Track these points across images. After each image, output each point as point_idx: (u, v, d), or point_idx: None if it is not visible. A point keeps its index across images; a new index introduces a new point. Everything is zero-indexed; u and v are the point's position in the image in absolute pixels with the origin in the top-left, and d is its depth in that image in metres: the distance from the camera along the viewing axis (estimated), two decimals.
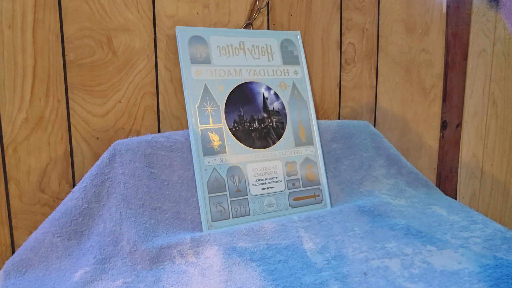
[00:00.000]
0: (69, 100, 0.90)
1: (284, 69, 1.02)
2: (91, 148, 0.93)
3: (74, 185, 0.92)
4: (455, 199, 1.30)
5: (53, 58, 0.88)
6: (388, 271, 0.78)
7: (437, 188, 1.15)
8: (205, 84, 0.92)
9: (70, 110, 0.91)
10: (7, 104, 0.86)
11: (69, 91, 0.90)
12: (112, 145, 0.89)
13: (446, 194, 1.15)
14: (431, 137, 1.30)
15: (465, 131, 1.31)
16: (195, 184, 0.91)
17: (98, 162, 0.88)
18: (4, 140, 0.87)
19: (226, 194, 0.90)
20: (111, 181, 0.87)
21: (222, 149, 0.91)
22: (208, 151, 0.90)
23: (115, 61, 0.93)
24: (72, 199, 0.85)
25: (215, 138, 0.90)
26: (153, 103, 0.97)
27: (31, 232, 0.84)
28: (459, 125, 1.29)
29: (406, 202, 1.05)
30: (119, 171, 0.87)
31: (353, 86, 1.20)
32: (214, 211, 0.88)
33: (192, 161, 0.92)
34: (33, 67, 0.87)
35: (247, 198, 0.91)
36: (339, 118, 1.18)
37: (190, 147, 0.92)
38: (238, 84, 0.95)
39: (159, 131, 0.99)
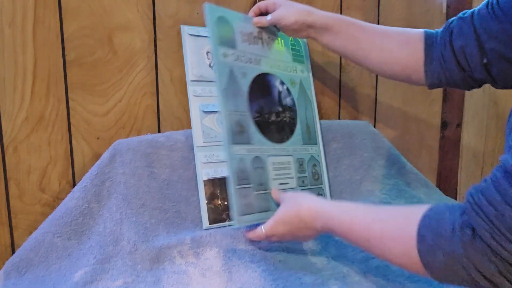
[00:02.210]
0: (70, 100, 0.90)
1: (293, 66, 1.01)
2: (92, 147, 0.93)
3: (74, 185, 0.92)
4: (455, 199, 1.31)
5: (53, 57, 0.88)
6: (387, 271, 0.78)
7: (437, 188, 1.15)
8: (231, 69, 0.86)
9: (70, 110, 0.91)
10: (7, 104, 0.86)
11: (69, 90, 0.90)
12: (112, 144, 0.89)
13: (446, 194, 1.15)
14: (431, 137, 1.30)
15: (465, 131, 1.31)
16: (196, 183, 0.91)
17: (99, 161, 0.88)
18: (4, 140, 0.86)
19: (252, 187, 0.84)
20: (111, 180, 0.87)
21: (247, 139, 0.86)
22: (236, 139, 0.84)
23: (116, 61, 0.93)
24: (72, 199, 0.85)
25: (241, 126, 0.86)
26: (153, 102, 0.97)
27: (31, 232, 0.84)
28: (459, 125, 1.30)
29: (406, 202, 1.05)
30: (119, 170, 0.87)
31: (353, 86, 1.20)
32: (243, 204, 0.82)
33: (194, 160, 0.92)
34: (33, 67, 0.87)
35: (268, 193, 0.88)
36: (339, 118, 1.18)
37: (191, 147, 0.92)
38: (257, 74, 0.92)
39: (159, 131, 0.99)
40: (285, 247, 0.84)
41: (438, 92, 1.29)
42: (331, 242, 0.86)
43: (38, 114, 0.88)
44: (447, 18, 1.21)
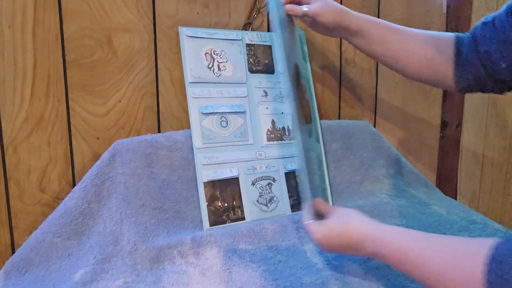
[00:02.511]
0: (69, 100, 0.90)
1: (302, 63, 1.02)
2: (91, 148, 0.93)
3: (74, 185, 0.92)
4: (455, 199, 1.31)
5: (53, 58, 0.88)
6: (388, 271, 0.78)
7: (437, 188, 1.15)
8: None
9: (70, 110, 0.91)
10: (7, 104, 0.86)
11: (69, 91, 0.90)
12: (112, 145, 0.89)
13: (446, 194, 1.15)
14: (431, 137, 1.30)
15: (465, 131, 1.31)
16: (196, 183, 0.91)
17: (98, 162, 0.88)
18: (4, 140, 0.86)
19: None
20: (111, 181, 0.87)
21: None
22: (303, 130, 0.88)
23: (115, 61, 0.93)
24: (72, 199, 0.85)
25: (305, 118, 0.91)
26: (153, 103, 0.97)
27: (31, 232, 0.84)
28: (459, 125, 1.29)
29: (406, 202, 1.05)
30: (119, 171, 0.87)
31: (353, 86, 1.20)
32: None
33: (193, 160, 0.92)
34: (33, 67, 0.87)
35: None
36: (339, 118, 1.18)
37: (191, 147, 0.92)
38: (295, 63, 0.93)
39: (159, 131, 0.99)
40: (286, 247, 0.84)
41: (438, 92, 1.29)
42: None
43: (38, 115, 0.88)
44: (447, 18, 1.21)
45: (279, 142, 0.99)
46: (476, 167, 1.32)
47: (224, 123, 0.95)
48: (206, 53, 0.96)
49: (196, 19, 0.98)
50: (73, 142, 0.92)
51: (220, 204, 0.91)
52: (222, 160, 0.93)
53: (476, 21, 1.20)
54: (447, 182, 1.29)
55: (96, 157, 0.92)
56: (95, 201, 0.85)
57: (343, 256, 0.82)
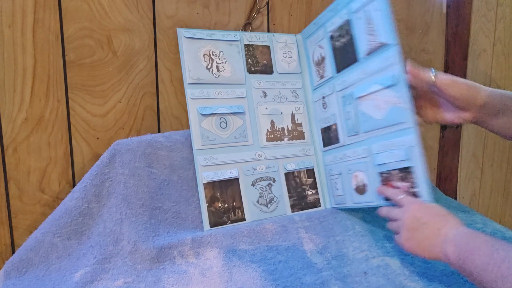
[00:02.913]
0: (69, 100, 0.90)
1: None
2: (91, 148, 0.93)
3: (74, 185, 0.92)
4: (455, 199, 1.30)
5: (53, 58, 0.88)
6: (388, 270, 0.78)
7: (437, 188, 1.15)
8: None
9: (70, 110, 0.91)
10: (7, 104, 0.86)
11: (69, 91, 0.90)
12: (112, 145, 0.89)
13: (446, 194, 1.15)
14: (431, 137, 1.30)
15: (465, 131, 1.31)
16: (196, 183, 0.91)
17: (98, 162, 0.88)
18: (4, 140, 0.87)
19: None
20: (111, 181, 0.87)
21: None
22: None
23: (115, 61, 0.93)
24: (72, 199, 0.85)
25: None
26: (153, 103, 0.97)
27: (31, 232, 0.84)
28: (459, 125, 1.29)
29: None
30: (119, 171, 0.87)
31: None
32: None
33: (193, 161, 0.92)
34: (33, 67, 0.87)
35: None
36: None
37: (191, 147, 0.92)
38: None
39: (159, 131, 0.99)
40: (286, 247, 0.84)
41: None
42: (332, 242, 0.86)
43: (38, 115, 0.88)
44: (447, 18, 1.21)
45: (279, 142, 0.99)
46: (476, 167, 1.32)
47: (223, 124, 0.94)
48: (204, 54, 0.96)
49: (196, 19, 0.98)
50: (73, 142, 0.92)
51: (220, 205, 0.91)
52: (222, 161, 0.92)
53: (476, 21, 1.20)
54: (447, 182, 1.29)
55: (96, 157, 0.92)
56: (95, 201, 0.85)
57: (343, 256, 0.82)
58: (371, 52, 0.82)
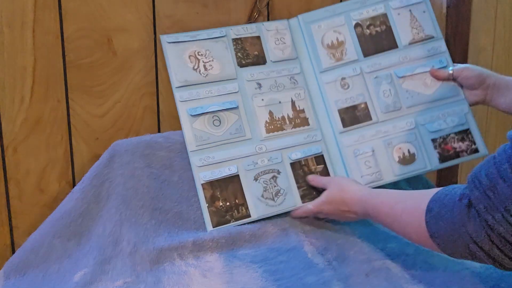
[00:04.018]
0: (69, 100, 0.90)
1: None
2: (91, 148, 0.93)
3: (73, 185, 0.92)
4: None
5: (52, 58, 0.88)
6: (389, 272, 0.77)
7: (437, 188, 1.15)
8: None
9: (70, 110, 0.91)
10: (7, 105, 0.86)
11: (69, 91, 0.90)
12: (111, 145, 0.89)
13: None
14: None
15: None
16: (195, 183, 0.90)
17: (98, 162, 0.88)
18: (4, 140, 0.86)
19: None
20: (110, 181, 0.87)
21: None
22: None
23: (115, 61, 0.93)
24: (71, 199, 0.85)
25: None
26: (153, 103, 0.97)
27: (31, 233, 0.84)
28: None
29: None
30: (118, 171, 0.87)
31: None
32: None
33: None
34: (33, 68, 0.87)
35: None
36: None
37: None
38: None
39: (158, 131, 0.99)
40: (286, 248, 0.84)
41: None
42: (333, 243, 0.86)
43: (37, 115, 0.88)
44: (447, 18, 1.21)
45: (280, 132, 0.95)
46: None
47: (216, 122, 0.92)
48: (190, 56, 0.94)
49: (195, 19, 0.98)
50: (73, 142, 0.92)
51: (221, 204, 0.89)
52: (218, 160, 0.90)
53: (476, 21, 1.20)
54: (447, 182, 1.29)
55: (96, 157, 0.92)
56: (94, 202, 0.85)
57: (345, 257, 0.82)
58: (414, 42, 1.00)
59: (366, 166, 0.95)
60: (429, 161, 0.95)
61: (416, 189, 1.07)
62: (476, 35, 1.23)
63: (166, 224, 0.86)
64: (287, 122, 0.96)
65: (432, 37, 0.99)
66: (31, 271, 0.80)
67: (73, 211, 0.84)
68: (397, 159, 0.95)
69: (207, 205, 0.88)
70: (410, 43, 0.99)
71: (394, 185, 1.02)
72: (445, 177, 1.28)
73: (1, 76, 0.85)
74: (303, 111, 0.98)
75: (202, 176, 0.89)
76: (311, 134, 0.97)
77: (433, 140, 0.95)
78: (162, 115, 0.98)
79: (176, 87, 0.92)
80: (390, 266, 0.79)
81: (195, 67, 0.93)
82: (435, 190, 0.64)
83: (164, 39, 0.93)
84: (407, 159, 0.95)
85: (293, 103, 0.97)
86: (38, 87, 0.87)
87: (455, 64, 0.99)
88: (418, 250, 0.83)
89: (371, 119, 0.97)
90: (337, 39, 1.00)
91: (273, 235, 0.87)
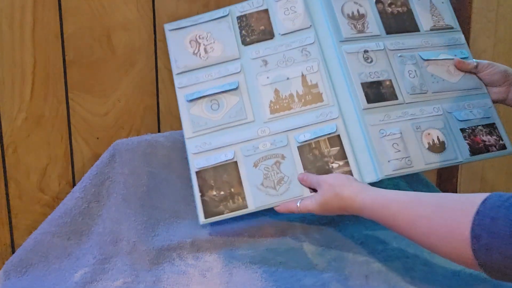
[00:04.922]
0: (69, 100, 0.90)
1: None
2: (91, 147, 0.93)
3: (74, 185, 0.92)
4: None
5: (52, 57, 0.88)
6: (389, 274, 0.78)
7: (437, 188, 1.15)
8: None
9: (70, 110, 0.91)
10: (7, 104, 0.86)
11: (69, 90, 0.90)
12: (112, 144, 0.89)
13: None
14: None
15: None
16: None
17: (98, 161, 0.88)
18: (4, 140, 0.86)
19: None
20: (110, 180, 0.87)
21: None
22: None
23: (115, 60, 0.93)
24: (71, 199, 0.85)
25: None
26: (153, 102, 0.97)
27: (31, 232, 0.84)
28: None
29: None
30: (119, 170, 0.87)
31: None
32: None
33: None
34: (32, 67, 0.87)
35: None
36: None
37: None
38: None
39: (159, 131, 0.99)
40: (286, 249, 0.84)
41: None
42: (333, 244, 0.86)
43: (37, 114, 0.88)
44: None
45: (287, 112, 0.86)
46: (476, 167, 1.32)
47: (215, 106, 0.86)
48: (191, 41, 0.90)
49: None
50: (73, 142, 0.92)
51: (215, 193, 0.82)
52: (215, 146, 0.84)
53: (476, 21, 1.20)
54: (447, 182, 1.29)
55: (96, 157, 0.92)
56: (94, 201, 0.85)
57: (344, 258, 0.82)
58: (435, 29, 0.95)
59: (394, 149, 0.82)
60: (460, 152, 0.85)
61: (416, 189, 1.07)
62: (477, 37, 1.23)
63: (166, 224, 0.86)
64: (296, 100, 0.87)
65: (452, 28, 0.96)
66: (31, 270, 0.80)
67: (73, 210, 0.84)
68: (426, 146, 0.84)
69: (200, 194, 0.82)
70: (431, 29, 0.94)
71: (394, 185, 1.02)
72: (445, 177, 1.28)
73: (1, 76, 0.85)
74: (315, 85, 0.87)
75: (195, 163, 0.83)
76: (326, 111, 0.86)
77: (462, 130, 0.87)
78: (162, 115, 0.98)
79: (176, 74, 0.89)
80: (389, 268, 0.79)
81: (195, 52, 0.90)
82: (470, 204, 0.53)
83: (167, 27, 0.92)
84: (437, 147, 0.85)
85: (303, 77, 0.88)
86: (38, 86, 0.87)
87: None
88: (417, 252, 0.83)
89: (397, 98, 0.87)
90: (358, 11, 0.92)
91: (272, 236, 0.87)
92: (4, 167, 0.87)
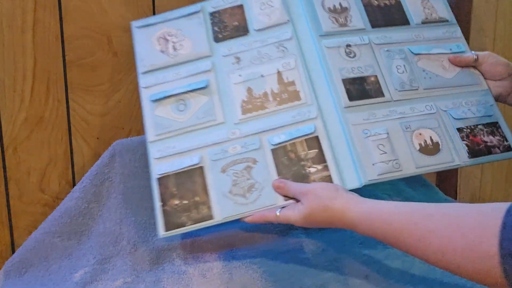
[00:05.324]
0: (69, 100, 0.90)
1: None
2: (91, 148, 0.93)
3: (74, 185, 0.92)
4: (455, 199, 1.31)
5: (53, 58, 0.88)
6: (389, 275, 0.77)
7: (437, 188, 1.15)
8: None
9: (70, 110, 0.91)
10: (7, 104, 0.86)
11: (69, 91, 0.90)
12: (112, 145, 0.89)
13: (446, 194, 1.15)
14: None
15: None
16: None
17: (98, 162, 0.88)
18: (4, 140, 0.87)
19: None
20: (111, 181, 0.87)
21: None
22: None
23: (115, 61, 0.93)
24: (71, 199, 0.85)
25: None
26: None
27: (31, 232, 0.84)
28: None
29: (406, 202, 1.04)
30: (119, 171, 0.87)
31: None
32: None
33: None
34: (33, 67, 0.87)
35: None
36: None
37: None
38: None
39: None
40: (286, 249, 0.84)
41: None
42: (332, 244, 0.86)
43: (38, 115, 0.88)
44: None
45: (260, 112, 0.79)
46: (476, 167, 1.32)
47: (182, 106, 0.80)
48: (159, 38, 0.85)
49: None
50: (73, 142, 0.92)
51: (177, 202, 0.74)
52: (180, 150, 0.77)
53: (476, 20, 1.20)
54: (447, 182, 1.29)
55: (96, 157, 0.92)
56: (94, 201, 0.85)
57: (344, 258, 0.82)
58: (427, 22, 0.88)
59: (379, 151, 0.75)
60: (456, 154, 0.77)
61: (415, 189, 1.07)
62: (477, 35, 1.23)
63: None
64: (270, 98, 0.79)
65: (446, 21, 0.89)
66: (31, 270, 0.80)
67: (74, 210, 0.84)
68: (417, 147, 0.76)
69: (161, 204, 0.74)
70: (423, 22, 0.88)
71: (392, 186, 1.02)
72: (444, 177, 1.28)
73: (1, 76, 0.85)
74: (292, 83, 0.80)
75: (157, 169, 0.76)
76: (303, 110, 0.78)
77: (459, 130, 0.79)
78: None
79: (142, 73, 0.83)
80: (389, 267, 0.79)
81: (163, 50, 0.84)
82: (493, 213, 0.47)
83: (134, 24, 0.86)
84: (430, 149, 0.77)
85: (279, 74, 0.81)
86: (38, 87, 0.87)
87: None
88: None
89: (383, 95, 0.80)
90: (340, 4, 0.86)
91: (273, 236, 0.87)
92: (4, 167, 0.87)
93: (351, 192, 0.68)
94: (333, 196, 0.65)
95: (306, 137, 0.76)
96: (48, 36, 0.87)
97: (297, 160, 0.75)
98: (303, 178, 0.73)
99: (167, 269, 0.79)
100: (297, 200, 0.69)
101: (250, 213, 0.72)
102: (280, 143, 0.76)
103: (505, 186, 1.34)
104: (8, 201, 0.88)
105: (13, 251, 0.89)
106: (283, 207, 0.71)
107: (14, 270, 0.79)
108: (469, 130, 0.80)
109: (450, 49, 0.86)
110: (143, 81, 0.83)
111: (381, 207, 0.61)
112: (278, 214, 0.69)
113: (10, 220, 0.89)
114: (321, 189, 0.67)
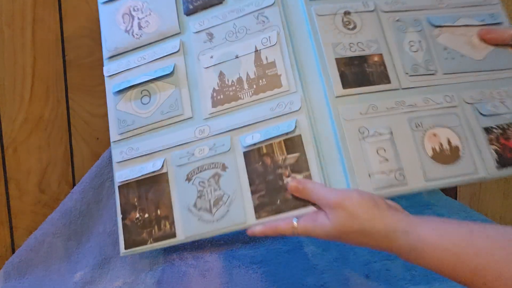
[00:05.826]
0: (69, 100, 0.90)
1: None
2: (91, 148, 0.93)
3: (74, 185, 0.92)
4: (455, 199, 1.31)
5: (53, 57, 0.88)
6: (389, 275, 0.78)
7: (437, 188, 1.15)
8: None
9: (70, 110, 0.91)
10: (7, 104, 0.86)
11: (69, 91, 0.90)
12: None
13: (446, 194, 1.15)
14: None
15: None
16: None
17: (98, 162, 0.88)
18: (4, 140, 0.86)
19: None
20: (111, 181, 0.87)
21: None
22: None
23: None
24: (71, 199, 0.85)
25: None
26: None
27: (31, 233, 0.84)
28: None
29: (406, 202, 1.04)
30: None
31: None
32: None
33: None
34: (32, 67, 0.87)
35: None
36: None
37: None
38: None
39: None
40: (286, 249, 0.84)
41: None
42: (333, 244, 0.86)
43: (37, 115, 0.88)
44: None
45: (234, 103, 0.63)
46: None
47: (145, 99, 0.67)
48: (124, 14, 0.72)
49: None
50: (73, 142, 0.92)
51: (138, 215, 0.64)
52: (142, 152, 0.66)
53: None
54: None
55: (96, 157, 0.92)
56: (94, 202, 0.85)
57: (345, 258, 0.82)
58: None
59: (379, 157, 0.58)
60: (481, 163, 0.59)
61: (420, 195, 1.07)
62: None
63: None
64: (245, 86, 0.64)
65: None
66: (31, 271, 0.80)
67: (73, 211, 0.84)
68: (430, 153, 0.59)
69: (121, 217, 0.65)
70: None
71: None
72: None
73: (1, 76, 0.85)
74: (272, 64, 0.63)
75: (118, 175, 0.66)
76: (284, 101, 0.61)
77: (487, 130, 0.60)
78: None
79: (107, 59, 0.72)
80: (390, 267, 0.79)
81: (128, 28, 0.71)
82: None
83: (99, 1, 0.74)
84: (447, 155, 0.58)
85: (257, 54, 0.64)
86: (38, 87, 0.87)
87: None
88: None
89: (389, 81, 0.61)
90: None
91: (273, 236, 0.87)
92: (4, 168, 0.87)
93: (392, 203, 0.55)
94: (372, 217, 0.50)
95: (286, 136, 0.60)
96: (48, 36, 0.87)
97: (273, 167, 0.60)
98: (279, 191, 0.59)
99: (167, 269, 0.79)
100: (319, 207, 0.55)
101: (213, 233, 0.60)
102: (253, 145, 0.61)
103: (504, 186, 1.35)
104: (8, 201, 0.88)
105: (13, 252, 0.89)
106: (300, 217, 0.56)
107: (14, 270, 0.79)
108: (500, 131, 0.61)
109: (483, 20, 0.66)
110: (106, 68, 0.71)
111: (450, 232, 0.46)
112: (295, 225, 0.55)
113: (10, 220, 0.89)
114: (357, 205, 0.51)
